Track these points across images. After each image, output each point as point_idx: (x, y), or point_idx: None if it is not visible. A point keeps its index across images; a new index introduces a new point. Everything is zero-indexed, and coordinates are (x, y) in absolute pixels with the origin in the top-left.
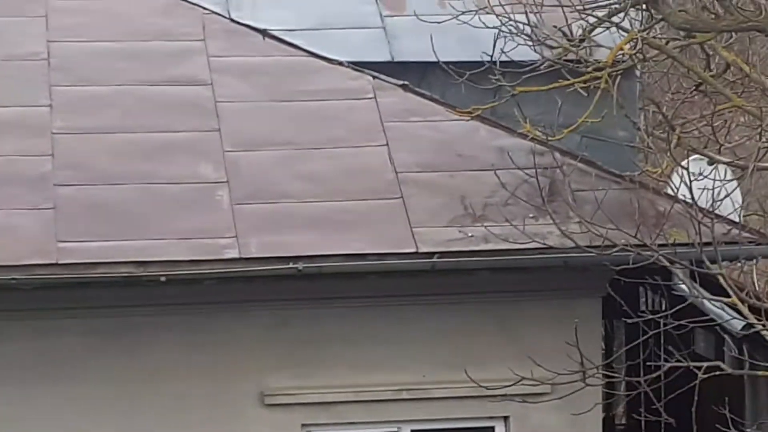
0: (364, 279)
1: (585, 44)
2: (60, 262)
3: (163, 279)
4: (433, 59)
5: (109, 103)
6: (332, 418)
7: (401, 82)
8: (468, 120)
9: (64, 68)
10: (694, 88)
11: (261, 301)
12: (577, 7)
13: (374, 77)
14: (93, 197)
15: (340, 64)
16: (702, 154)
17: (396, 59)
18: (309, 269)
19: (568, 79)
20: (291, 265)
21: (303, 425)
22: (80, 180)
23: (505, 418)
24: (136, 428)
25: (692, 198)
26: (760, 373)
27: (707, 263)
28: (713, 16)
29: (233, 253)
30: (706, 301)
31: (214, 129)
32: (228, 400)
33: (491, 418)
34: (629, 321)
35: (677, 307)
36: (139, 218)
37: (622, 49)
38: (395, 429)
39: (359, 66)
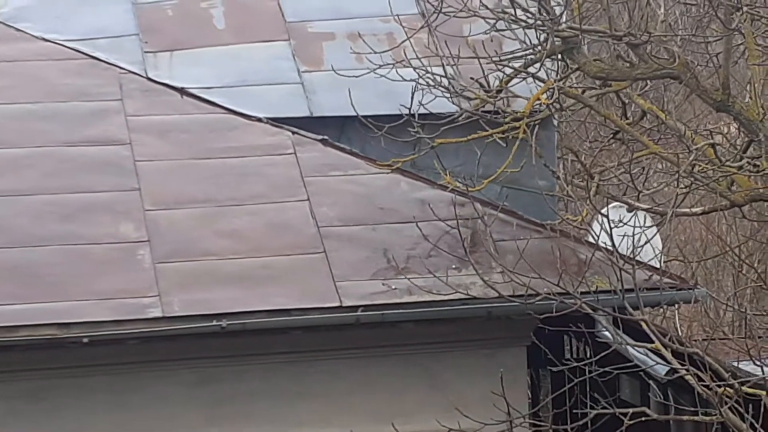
0: (288, 334)
1: (502, 95)
2: None
3: (85, 340)
4: (352, 113)
5: (28, 165)
6: None
7: (321, 137)
8: (388, 173)
9: None
10: (611, 136)
11: (185, 359)
12: (494, 59)
13: (293, 133)
14: (14, 259)
15: (259, 120)
16: (621, 202)
17: (315, 114)
18: (233, 326)
19: (487, 130)
20: (215, 323)
21: None
22: (0, 243)
23: None
24: None
25: (613, 245)
26: (685, 417)
27: (630, 310)
28: (628, 64)
29: (156, 312)
30: (630, 348)
31: (134, 188)
32: None
33: None
34: (554, 369)
35: (602, 354)
36: (60, 279)
37: (539, 99)
38: None
39: (278, 122)
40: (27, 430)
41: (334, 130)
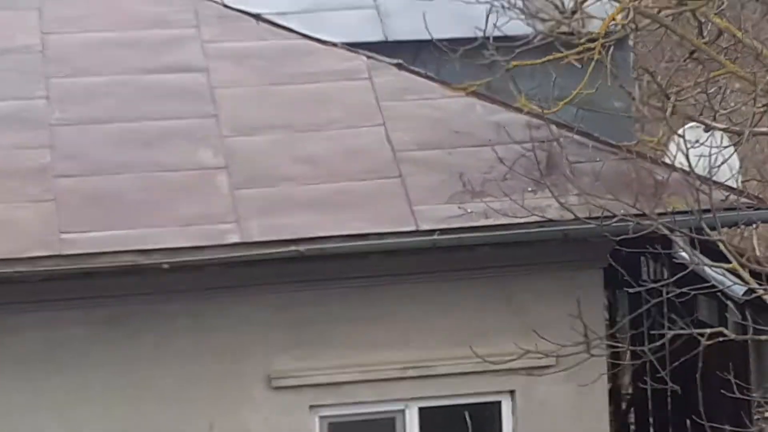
0: (366, 259)
1: (577, 16)
2: (63, 253)
3: (165, 266)
4: (427, 37)
5: (106, 93)
6: (339, 398)
7: (396, 61)
8: (463, 96)
9: (59, 60)
10: (687, 55)
11: (264, 284)
12: None
13: (368, 57)
14: (93, 187)
15: (334, 45)
16: (698, 122)
17: (389, 38)
18: (311, 251)
19: (562, 52)
20: (293, 248)
21: (311, 407)
22: (80, 171)
23: (512, 392)
24: (143, 413)
25: (690, 166)
26: (763, 337)
27: (707, 230)
28: None
29: (235, 238)
30: (707, 268)
31: (211, 115)
32: (234, 383)
33: (497, 392)
34: (631, 291)
35: (678, 275)
36: (139, 206)
37: (614, 19)
38: (402, 407)
39: (353, 47)
40: (107, 355)
41: (409, 54)
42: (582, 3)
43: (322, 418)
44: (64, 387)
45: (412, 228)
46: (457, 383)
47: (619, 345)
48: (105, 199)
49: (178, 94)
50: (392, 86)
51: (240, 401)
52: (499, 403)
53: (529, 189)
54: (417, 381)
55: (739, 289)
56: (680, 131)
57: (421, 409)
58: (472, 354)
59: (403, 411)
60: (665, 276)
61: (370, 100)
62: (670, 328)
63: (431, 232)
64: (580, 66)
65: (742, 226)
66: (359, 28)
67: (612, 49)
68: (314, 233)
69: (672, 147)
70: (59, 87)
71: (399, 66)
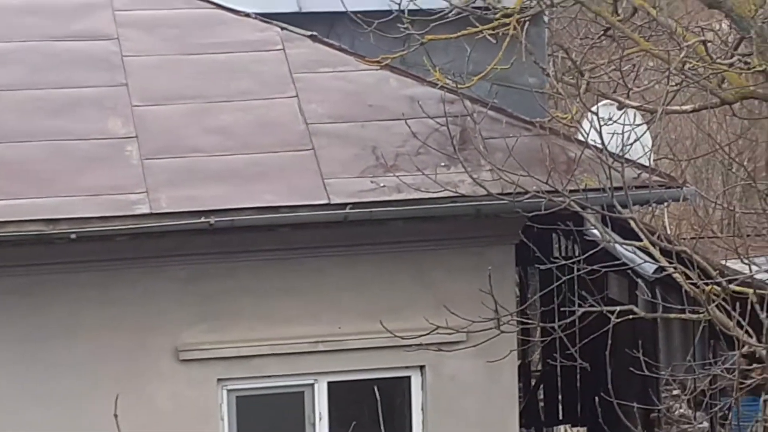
0: (277, 231)
1: None
2: None
3: (73, 236)
4: (341, 9)
5: (15, 60)
6: (248, 371)
7: (309, 33)
8: (377, 70)
9: None
10: (602, 33)
11: (173, 256)
12: None
13: (282, 28)
14: (0, 155)
15: (248, 15)
16: (611, 99)
17: (304, 10)
18: (221, 223)
19: (477, 27)
20: (203, 219)
21: (219, 380)
22: None
23: (421, 368)
24: (52, 385)
25: (602, 143)
26: (672, 316)
27: (618, 208)
28: None
29: (144, 209)
30: (618, 246)
31: (122, 84)
32: (142, 356)
33: (407, 367)
34: (543, 267)
35: (590, 253)
36: (48, 175)
37: None
38: (311, 381)
39: (267, 17)
40: (16, 325)
41: (324, 26)
42: None
43: (230, 391)
44: None
45: (324, 201)
46: (367, 358)
47: (530, 321)
48: (12, 168)
49: (88, 62)
50: (306, 58)
51: (147, 374)
52: (409, 378)
53: (442, 164)
54: (326, 355)
55: (649, 267)
56: (594, 108)
57: (330, 384)
58: (383, 329)
59: (312, 385)
60: (576, 253)
61: (284, 71)
62: (580, 305)
63: (343, 205)
64: (494, 41)
65: (654, 205)
66: None
67: (527, 24)
68: (224, 205)
69: (585, 124)
70: None
71: (313, 38)
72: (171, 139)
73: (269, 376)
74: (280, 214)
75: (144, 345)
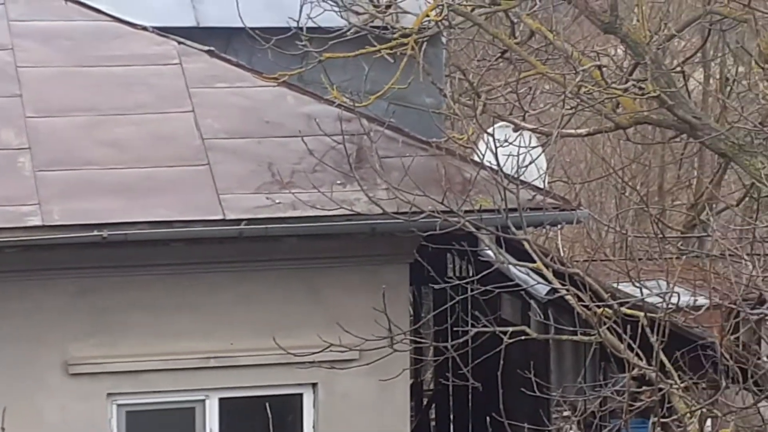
0: (170, 246)
1: (391, 11)
2: None
3: None
4: (239, 25)
5: None
6: (138, 386)
7: (207, 48)
8: (275, 86)
9: None
10: (499, 55)
11: (65, 269)
12: None
13: (179, 43)
14: None
15: (145, 29)
16: (507, 121)
17: (201, 24)
18: (114, 237)
19: (375, 46)
20: (95, 233)
21: (108, 394)
22: None
23: (314, 385)
24: None
25: (498, 164)
26: (564, 337)
27: (513, 229)
28: None
29: (36, 221)
30: (511, 267)
31: (15, 95)
32: (31, 369)
33: (299, 385)
34: (437, 287)
35: (484, 273)
36: None
37: (428, 15)
38: (203, 397)
39: (164, 31)
40: None
41: (221, 41)
42: None
43: (119, 406)
44: None
45: (219, 216)
46: (259, 374)
47: (423, 341)
48: None
49: None
50: (203, 73)
51: (35, 387)
52: (301, 395)
53: (338, 182)
54: (218, 371)
55: (542, 289)
56: (490, 130)
57: (221, 400)
58: (276, 346)
59: (203, 401)
60: (470, 273)
61: (180, 85)
62: (473, 326)
63: (238, 221)
64: (392, 61)
65: (548, 227)
66: (171, 12)
67: (425, 45)
68: (118, 218)
69: (481, 145)
70: None
71: (210, 53)
72: (65, 151)
73: (160, 392)
74: (174, 228)
75: (33, 358)
